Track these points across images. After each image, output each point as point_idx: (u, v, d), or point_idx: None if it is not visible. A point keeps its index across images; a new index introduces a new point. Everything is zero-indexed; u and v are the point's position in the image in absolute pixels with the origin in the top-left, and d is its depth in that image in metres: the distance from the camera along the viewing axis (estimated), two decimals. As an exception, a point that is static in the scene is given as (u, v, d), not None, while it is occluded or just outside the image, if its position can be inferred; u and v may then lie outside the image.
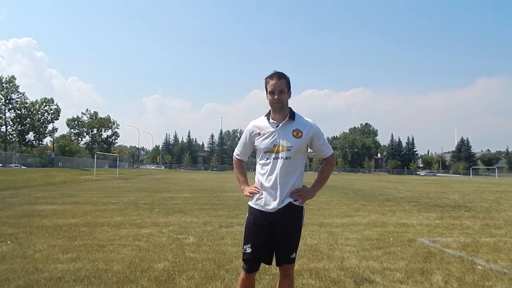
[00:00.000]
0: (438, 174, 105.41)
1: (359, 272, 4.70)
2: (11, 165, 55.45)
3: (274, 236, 2.82)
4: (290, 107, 2.91)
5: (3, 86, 64.92)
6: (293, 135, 2.82)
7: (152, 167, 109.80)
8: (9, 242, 6.04)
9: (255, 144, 2.95)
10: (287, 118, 2.85)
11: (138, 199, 13.67)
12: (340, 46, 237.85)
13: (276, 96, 2.79)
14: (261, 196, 2.86)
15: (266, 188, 2.83)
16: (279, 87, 2.80)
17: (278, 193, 2.79)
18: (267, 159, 2.84)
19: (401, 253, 5.68)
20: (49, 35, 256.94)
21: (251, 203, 2.94)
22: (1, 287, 3.99)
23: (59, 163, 66.80)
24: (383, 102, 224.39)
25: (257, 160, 2.95)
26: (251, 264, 2.83)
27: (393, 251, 5.83)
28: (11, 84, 65.88)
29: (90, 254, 5.32)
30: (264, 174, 2.85)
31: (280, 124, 2.84)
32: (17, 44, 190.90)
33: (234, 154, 3.22)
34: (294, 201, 2.82)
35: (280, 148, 2.80)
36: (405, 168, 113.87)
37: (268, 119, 2.91)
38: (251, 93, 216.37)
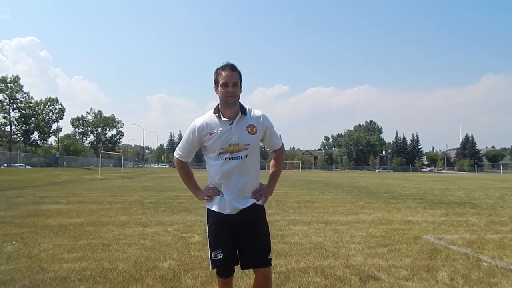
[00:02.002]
0: (443, 171, 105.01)
1: (365, 269, 4.68)
2: (16, 164, 55.72)
3: (240, 238, 2.67)
4: (239, 102, 2.68)
5: (8, 86, 65.23)
6: (248, 132, 2.63)
7: (157, 166, 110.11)
8: (14, 242, 6.07)
9: (206, 144, 2.69)
10: (240, 114, 2.64)
11: (143, 198, 13.70)
12: (345, 43, 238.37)
13: (230, 89, 2.56)
14: (221, 198, 2.68)
15: (224, 190, 2.66)
16: (233, 79, 2.57)
17: (238, 195, 2.64)
18: (223, 159, 2.63)
19: (407, 251, 5.66)
20: (52, 34, 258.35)
21: (209, 206, 2.74)
22: (7, 287, 4.01)
23: (64, 162, 67.10)
24: (388, 100, 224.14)
25: (210, 161, 2.72)
26: (227, 268, 2.68)
27: (399, 248, 5.81)
28: (16, 84, 66.21)
29: (95, 254, 5.33)
30: (221, 176, 2.65)
31: (234, 122, 2.62)
32: (21, 43, 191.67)
33: (176, 155, 2.89)
34: (257, 201, 2.70)
35: (237, 148, 2.60)
36: (410, 165, 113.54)
37: (219, 116, 2.65)
38: (256, 91, 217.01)
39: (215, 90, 2.66)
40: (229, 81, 2.56)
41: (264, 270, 2.67)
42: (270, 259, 2.69)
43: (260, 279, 2.72)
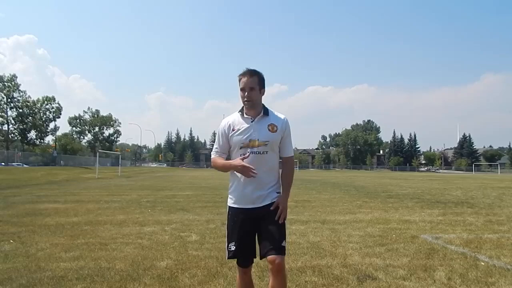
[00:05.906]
0: (441, 171, 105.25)
1: (362, 269, 4.69)
2: (13, 163, 55.50)
3: (256, 231, 2.83)
4: (263, 104, 2.90)
5: (5, 84, 65.03)
6: (268, 130, 2.80)
7: (154, 165, 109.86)
8: (11, 241, 6.05)
9: (231, 139, 2.87)
10: (261, 113, 2.84)
11: (141, 197, 13.68)
12: (344, 42, 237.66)
13: (246, 93, 2.77)
14: (239, 194, 2.84)
15: (244, 185, 2.80)
16: (250, 84, 2.76)
17: (256, 190, 2.79)
18: (243, 154, 2.76)
19: (404, 250, 5.67)
20: (50, 32, 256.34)
21: (229, 204, 2.93)
22: (4, 286, 4.00)
23: (61, 161, 67.01)
24: (386, 99, 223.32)
25: (232, 155, 2.90)
26: (242, 258, 2.87)
27: (396, 247, 5.82)
28: (13, 82, 66.02)
29: (92, 253, 5.33)
30: None
31: (255, 119, 2.82)
32: (18, 41, 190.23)
33: (213, 155, 3.00)
34: (275, 196, 2.83)
35: (257, 143, 2.76)
36: (408, 164, 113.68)
37: (242, 115, 2.87)
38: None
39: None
40: (245, 86, 2.77)
41: (277, 258, 2.65)
42: (284, 246, 2.73)
43: (273, 268, 2.68)
